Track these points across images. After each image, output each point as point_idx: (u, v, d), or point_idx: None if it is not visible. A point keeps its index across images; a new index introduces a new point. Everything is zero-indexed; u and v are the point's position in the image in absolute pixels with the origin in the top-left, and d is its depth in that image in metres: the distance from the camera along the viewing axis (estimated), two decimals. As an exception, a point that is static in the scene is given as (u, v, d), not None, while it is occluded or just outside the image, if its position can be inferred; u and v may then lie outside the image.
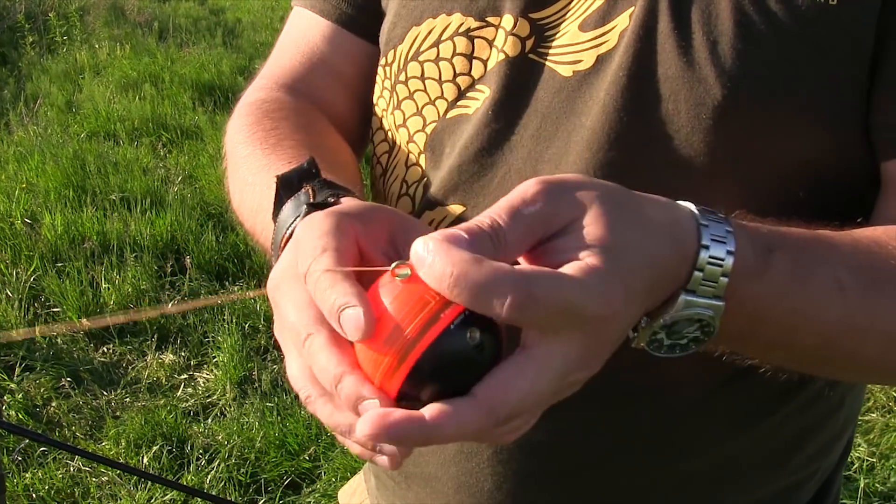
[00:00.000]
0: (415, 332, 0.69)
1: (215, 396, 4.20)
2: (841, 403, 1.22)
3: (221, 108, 8.31)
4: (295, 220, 0.88)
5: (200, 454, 3.78)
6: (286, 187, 0.94)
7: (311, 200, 0.90)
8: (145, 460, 3.73)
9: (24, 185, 6.14)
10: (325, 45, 1.28)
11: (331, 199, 0.89)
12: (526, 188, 0.72)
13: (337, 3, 1.26)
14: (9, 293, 4.86)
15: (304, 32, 1.31)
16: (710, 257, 0.77)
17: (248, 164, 1.12)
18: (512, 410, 0.68)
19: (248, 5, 14.10)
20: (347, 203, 0.87)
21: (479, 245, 0.68)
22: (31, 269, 5.10)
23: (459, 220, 1.09)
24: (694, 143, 0.95)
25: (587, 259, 0.69)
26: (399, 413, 0.66)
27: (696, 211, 0.79)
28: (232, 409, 4.07)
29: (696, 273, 0.77)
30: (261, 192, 1.04)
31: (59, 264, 5.18)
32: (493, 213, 0.71)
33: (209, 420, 4.02)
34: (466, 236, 0.68)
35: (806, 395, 1.14)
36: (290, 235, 0.86)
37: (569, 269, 0.69)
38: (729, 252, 0.77)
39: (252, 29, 11.93)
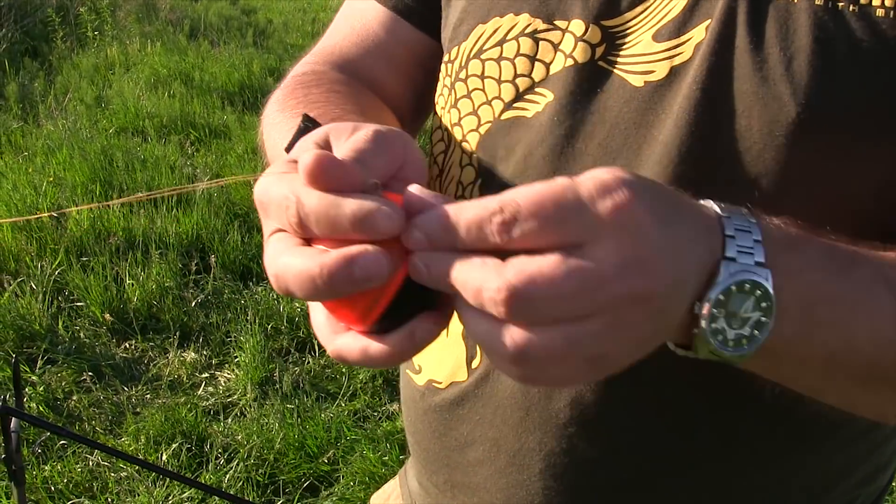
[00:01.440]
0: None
1: (236, 396, 4.20)
2: (893, 434, 1.19)
3: (250, 109, 8.32)
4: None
5: (219, 453, 3.78)
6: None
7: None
8: (164, 457, 3.74)
9: (51, 179, 6.16)
10: (380, 29, 1.27)
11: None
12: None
13: None
14: (33, 286, 4.87)
15: (360, 16, 1.30)
16: (736, 231, 0.76)
17: (279, 130, 1.10)
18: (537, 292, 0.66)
19: (279, 6, 14.13)
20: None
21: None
22: (56, 263, 5.11)
23: None
24: (766, 161, 0.93)
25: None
26: None
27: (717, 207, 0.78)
28: (252, 409, 4.07)
29: (728, 238, 0.75)
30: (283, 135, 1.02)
31: (84, 259, 5.20)
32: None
33: (229, 420, 4.03)
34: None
35: (854, 428, 1.12)
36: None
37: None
38: (756, 241, 0.76)
39: (283, 30, 11.94)
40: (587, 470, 1.12)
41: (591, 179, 0.68)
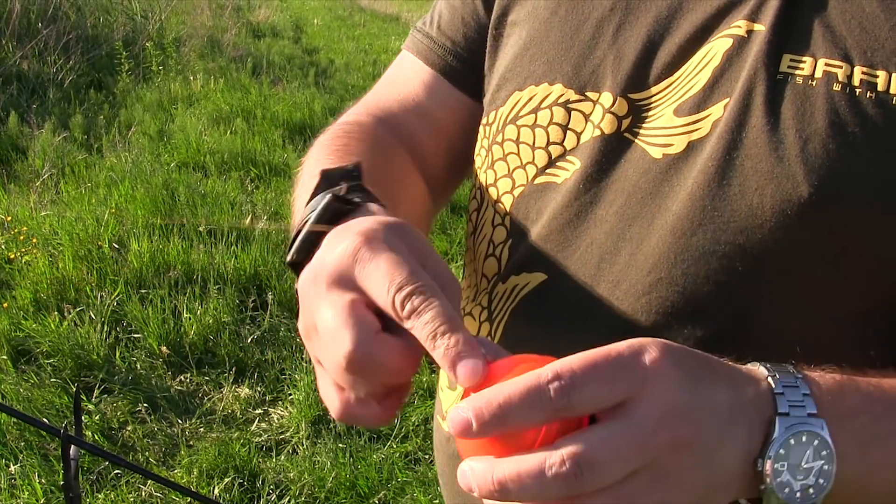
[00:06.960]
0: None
1: (289, 433, 4.21)
2: None
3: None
4: (318, 207, 0.95)
5: (271, 489, 3.80)
6: (326, 181, 1.00)
7: (340, 194, 0.96)
8: (216, 491, 3.76)
9: (113, 210, 6.24)
10: (423, 91, 1.33)
11: (356, 199, 0.95)
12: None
13: (443, 54, 1.32)
14: (92, 315, 4.93)
15: (405, 75, 1.36)
16: (784, 388, 0.81)
17: (309, 172, 1.14)
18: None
19: (341, 47, 14.27)
20: (370, 219, 0.89)
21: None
22: (116, 294, 5.17)
23: (542, 287, 1.13)
24: (777, 238, 0.96)
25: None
26: None
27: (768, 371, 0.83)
28: (305, 447, 4.09)
29: (777, 395, 0.81)
30: (306, 190, 1.06)
31: (143, 291, 5.26)
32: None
33: (281, 457, 4.04)
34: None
35: None
36: (308, 222, 0.95)
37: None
38: (805, 394, 0.81)
39: (345, 71, 12.06)
40: None
41: (625, 343, 0.75)
